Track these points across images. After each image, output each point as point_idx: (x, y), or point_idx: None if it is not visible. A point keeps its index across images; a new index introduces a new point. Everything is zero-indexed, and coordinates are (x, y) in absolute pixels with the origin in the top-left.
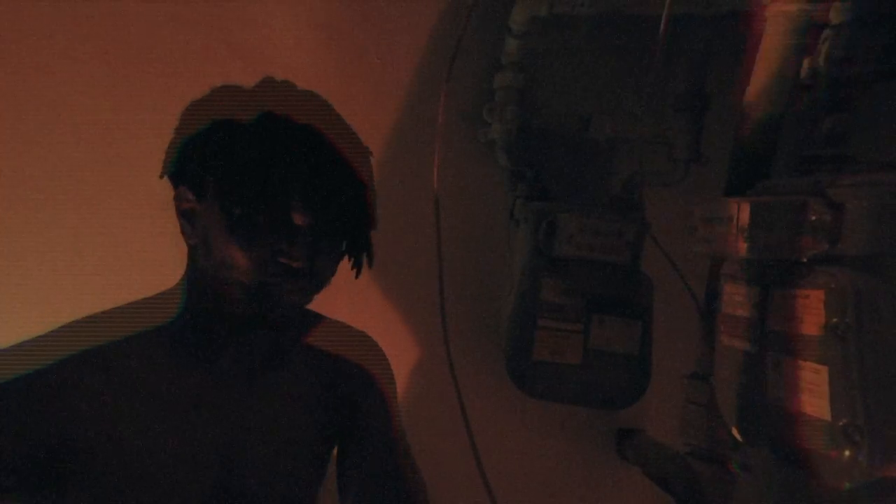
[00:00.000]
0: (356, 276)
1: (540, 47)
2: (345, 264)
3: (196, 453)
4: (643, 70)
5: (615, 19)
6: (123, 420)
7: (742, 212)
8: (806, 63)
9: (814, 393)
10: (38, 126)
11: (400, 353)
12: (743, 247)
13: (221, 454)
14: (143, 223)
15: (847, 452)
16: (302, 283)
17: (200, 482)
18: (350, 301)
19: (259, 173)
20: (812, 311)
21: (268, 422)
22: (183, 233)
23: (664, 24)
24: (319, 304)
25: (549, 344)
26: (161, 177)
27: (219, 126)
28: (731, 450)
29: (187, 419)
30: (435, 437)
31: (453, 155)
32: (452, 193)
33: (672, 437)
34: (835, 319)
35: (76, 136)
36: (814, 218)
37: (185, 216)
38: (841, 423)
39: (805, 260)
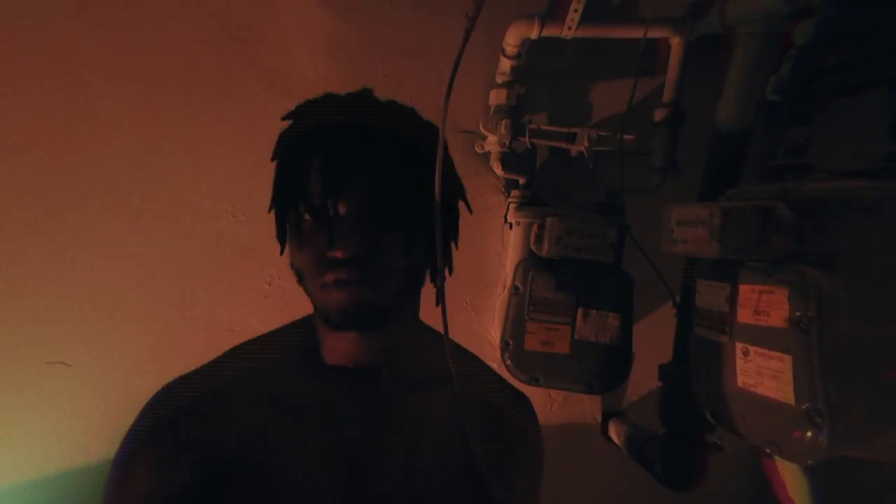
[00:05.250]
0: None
1: (531, 67)
2: None
3: (330, 464)
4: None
5: (599, 43)
6: (272, 432)
7: (714, 215)
8: (771, 81)
9: (779, 380)
10: (83, 139)
11: None
12: (715, 247)
13: (351, 467)
14: (174, 229)
15: (809, 433)
16: (354, 276)
17: (330, 492)
18: None
19: (289, 173)
20: (777, 306)
21: (405, 442)
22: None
23: (642, 47)
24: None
25: (540, 336)
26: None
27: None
28: (705, 431)
29: (326, 431)
30: None
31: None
32: None
33: (651, 420)
34: (798, 313)
35: (114, 149)
36: (779, 221)
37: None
38: (804, 407)
39: (771, 259)
